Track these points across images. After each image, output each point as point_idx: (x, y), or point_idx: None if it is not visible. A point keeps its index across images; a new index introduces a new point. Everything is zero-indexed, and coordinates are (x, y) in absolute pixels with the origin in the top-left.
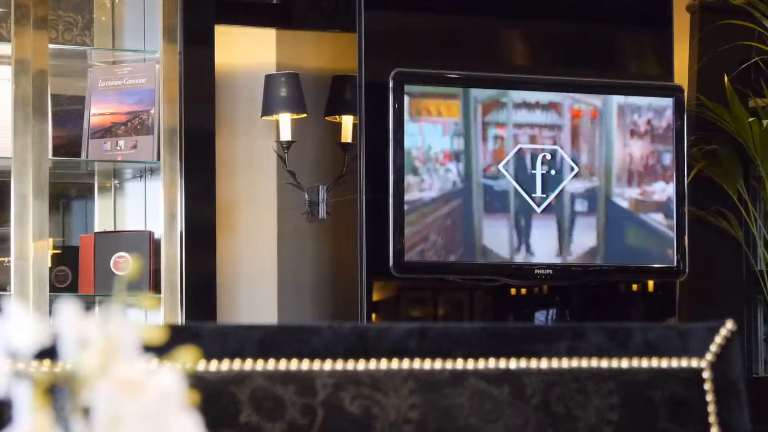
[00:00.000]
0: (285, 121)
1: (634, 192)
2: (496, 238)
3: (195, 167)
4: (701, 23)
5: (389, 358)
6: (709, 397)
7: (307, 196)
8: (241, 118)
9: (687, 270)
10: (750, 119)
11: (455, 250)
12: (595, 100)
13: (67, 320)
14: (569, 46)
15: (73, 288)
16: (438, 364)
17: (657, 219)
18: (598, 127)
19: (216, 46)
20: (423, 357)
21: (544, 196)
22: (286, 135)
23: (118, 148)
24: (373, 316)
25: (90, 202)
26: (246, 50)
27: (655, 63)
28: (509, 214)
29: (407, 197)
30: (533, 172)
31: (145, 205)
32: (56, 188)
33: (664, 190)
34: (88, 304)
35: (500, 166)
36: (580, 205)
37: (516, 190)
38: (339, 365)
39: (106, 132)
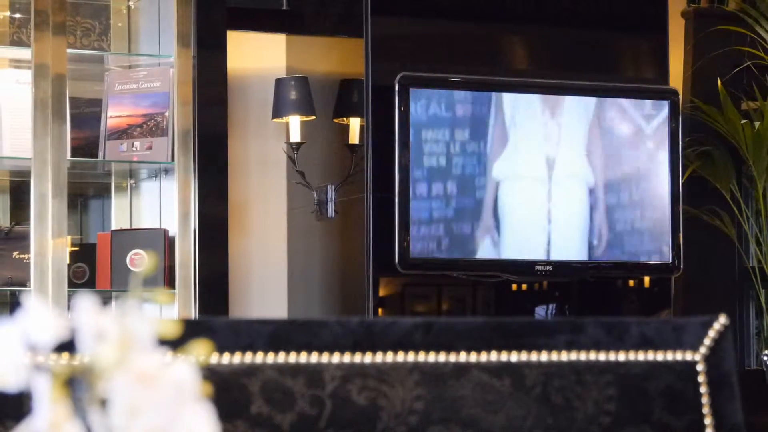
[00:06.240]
0: (295, 123)
1: (630, 191)
2: (497, 235)
3: (208, 167)
4: (695, 29)
5: (395, 351)
6: (703, 389)
7: (315, 196)
8: (252, 120)
9: (682, 266)
10: (742, 121)
11: (458, 247)
12: (594, 102)
13: (84, 315)
14: (568, 50)
15: (90, 284)
16: (442, 357)
17: (653, 218)
18: (596, 129)
19: (228, 51)
20: (427, 350)
21: (545, 195)
22: (295, 136)
23: (134, 149)
24: (380, 310)
25: (107, 201)
26: (257, 55)
27: (651, 67)
28: (510, 213)
29: (412, 196)
30: (534, 172)
31: (160, 204)
32: (74, 188)
33: (659, 190)
34: (105, 300)
35: (501, 166)
36: (579, 205)
37: (517, 190)
38: (346, 358)
39: (123, 134)
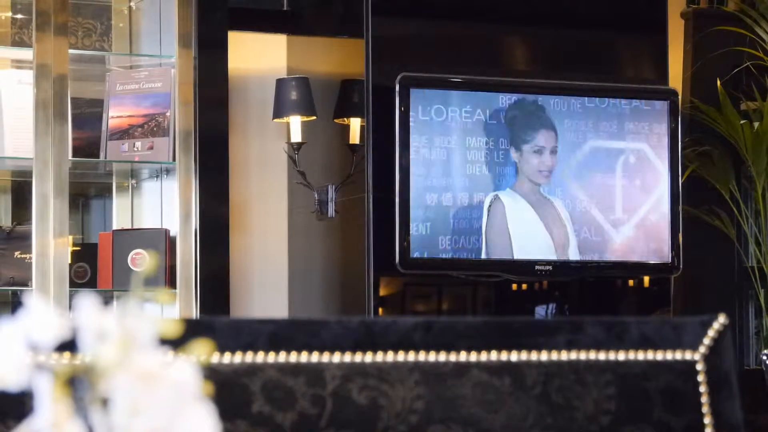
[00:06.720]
0: (295, 123)
1: (630, 191)
2: (497, 235)
3: (209, 167)
4: (695, 29)
5: (395, 350)
6: (703, 388)
7: (316, 196)
8: (253, 120)
9: (681, 266)
10: (741, 122)
11: (459, 247)
12: (593, 102)
13: (86, 314)
14: (568, 51)
15: (92, 283)
16: (442, 357)
17: (652, 217)
18: (596, 129)
19: (229, 52)
20: (428, 350)
21: (545, 195)
22: (296, 137)
23: (135, 149)
24: (380, 310)
25: (108, 201)
26: (258, 55)
27: (651, 67)
28: (510, 212)
29: (412, 195)
30: (533, 172)
31: (161, 203)
32: (76, 188)
33: (659, 190)
34: (107, 299)
35: (502, 166)
36: (579, 204)
37: (517, 189)
38: (347, 357)
39: (124, 134)
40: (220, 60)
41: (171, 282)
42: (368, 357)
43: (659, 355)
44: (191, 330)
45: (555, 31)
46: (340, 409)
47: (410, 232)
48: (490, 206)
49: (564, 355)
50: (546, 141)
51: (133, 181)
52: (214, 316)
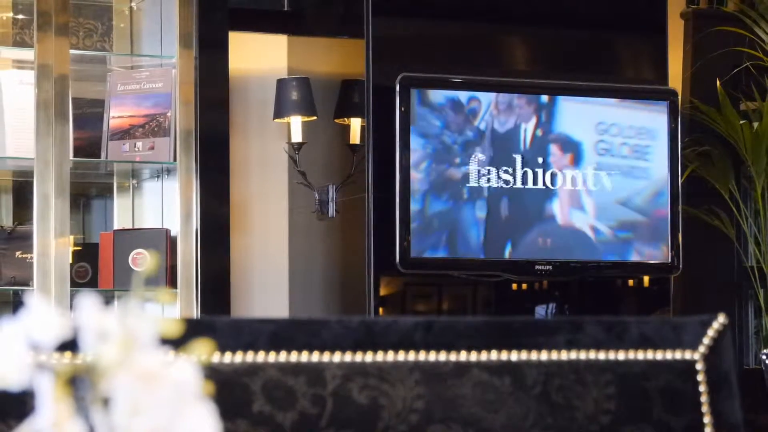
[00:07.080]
0: (296, 123)
1: (630, 192)
2: (497, 235)
3: (210, 168)
4: (695, 30)
5: (396, 350)
6: (702, 388)
7: (317, 195)
8: (253, 120)
9: (681, 266)
10: (741, 122)
11: (459, 246)
12: (593, 102)
13: (87, 314)
14: (568, 51)
15: (93, 283)
16: (442, 356)
17: (652, 217)
18: (596, 129)
19: (230, 52)
20: (428, 349)
21: (545, 195)
22: (297, 137)
23: (136, 149)
24: (380, 310)
25: (109, 201)
26: (258, 56)
27: (651, 68)
28: (510, 212)
29: (413, 196)
30: (533, 172)
31: (162, 203)
32: (77, 188)
33: (659, 190)
34: (108, 299)
35: (501, 166)
36: (579, 204)
37: (517, 189)
38: (347, 357)
39: (125, 134)
40: (221, 60)
41: (172, 282)
42: (368, 357)
43: (659, 355)
44: (192, 330)
45: (555, 31)
46: (341, 409)
47: (410, 232)
48: (490, 205)
49: (564, 355)
50: (546, 139)
51: (134, 181)
52: (214, 316)
